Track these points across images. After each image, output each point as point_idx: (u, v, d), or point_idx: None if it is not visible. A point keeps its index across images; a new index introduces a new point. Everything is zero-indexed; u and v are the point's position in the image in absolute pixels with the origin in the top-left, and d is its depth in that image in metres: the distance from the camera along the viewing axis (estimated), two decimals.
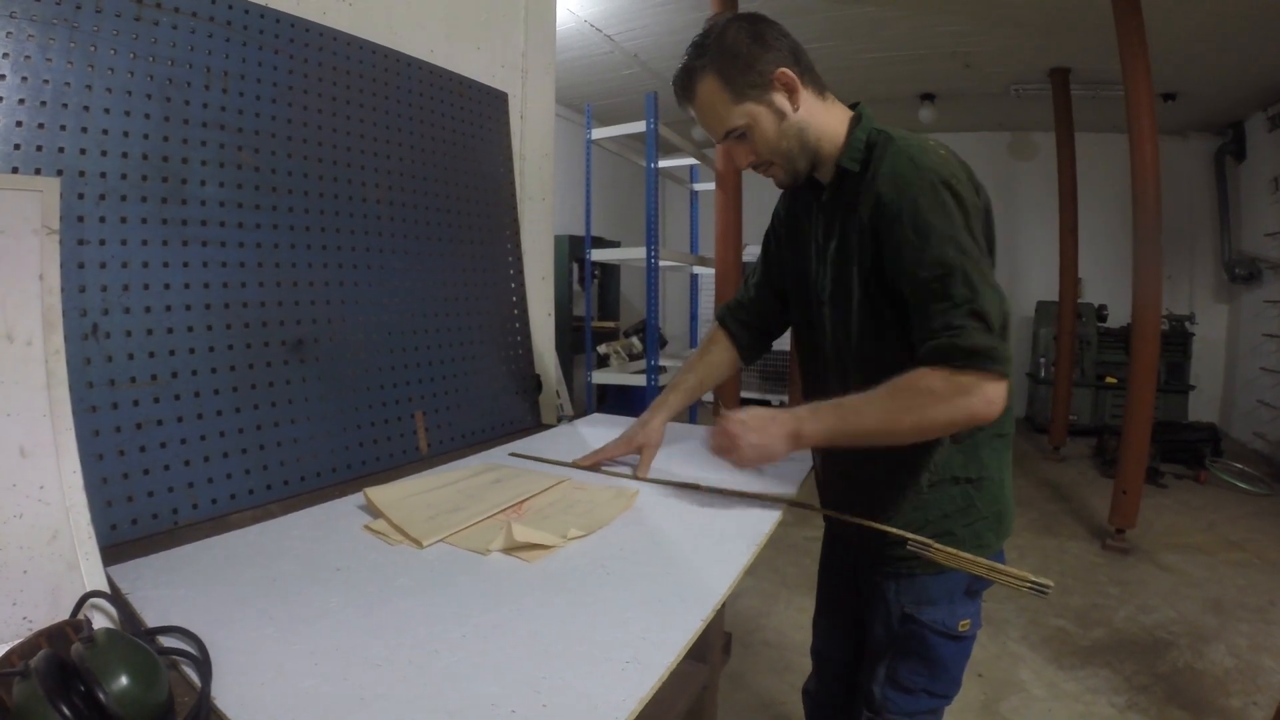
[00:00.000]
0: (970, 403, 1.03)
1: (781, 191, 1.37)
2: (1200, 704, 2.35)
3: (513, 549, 0.97)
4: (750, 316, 1.51)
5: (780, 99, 1.16)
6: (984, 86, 6.44)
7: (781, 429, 1.14)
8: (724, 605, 1.64)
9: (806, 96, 1.18)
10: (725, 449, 1.18)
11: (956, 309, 1.03)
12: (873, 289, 1.15)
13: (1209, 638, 2.83)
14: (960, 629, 1.26)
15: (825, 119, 1.20)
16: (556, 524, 1.07)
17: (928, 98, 6.76)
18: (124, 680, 0.59)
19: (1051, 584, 0.97)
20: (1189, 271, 7.28)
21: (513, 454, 1.58)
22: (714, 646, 1.65)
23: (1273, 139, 6.15)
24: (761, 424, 1.15)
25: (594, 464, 1.44)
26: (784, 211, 1.41)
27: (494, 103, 1.96)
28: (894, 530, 1.14)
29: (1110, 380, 6.72)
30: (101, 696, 0.56)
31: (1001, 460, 1.26)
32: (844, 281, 1.19)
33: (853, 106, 1.23)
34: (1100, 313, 6.97)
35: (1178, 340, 6.62)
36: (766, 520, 1.15)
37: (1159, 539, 4.01)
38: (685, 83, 1.20)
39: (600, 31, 5.41)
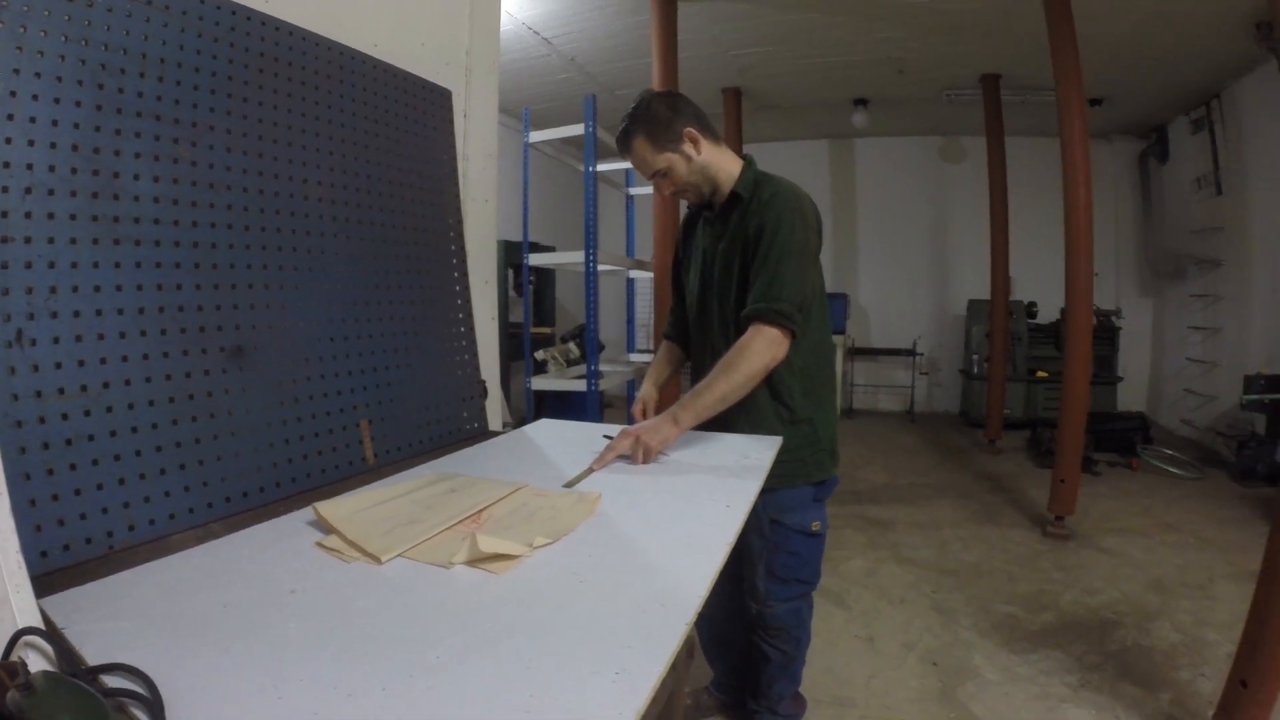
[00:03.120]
0: (774, 348, 1.61)
1: (681, 224, 2.03)
2: (1151, 678, 2.44)
3: (478, 561, 0.92)
4: (684, 325, 2.04)
5: (689, 148, 1.70)
6: (917, 92, 6.61)
7: (665, 424, 1.55)
8: None
9: (706, 146, 1.72)
10: (637, 451, 1.49)
11: (769, 290, 1.62)
12: (744, 274, 1.70)
13: (1153, 615, 2.95)
14: (813, 528, 1.80)
15: (721, 161, 1.75)
16: (519, 533, 1.03)
17: (861, 102, 6.90)
18: None
19: None
20: (1114, 268, 7.62)
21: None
22: (680, 651, 1.62)
23: (1195, 141, 6.47)
24: (653, 425, 1.54)
25: (605, 463, 1.49)
26: (681, 238, 2.03)
27: (438, 100, 1.89)
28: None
29: (1042, 374, 6.97)
30: None
31: (832, 405, 1.85)
32: (729, 270, 1.75)
33: (743, 157, 1.80)
34: (1030, 309, 7.24)
35: (1106, 334, 6.90)
36: (734, 519, 1.13)
37: (1097, 524, 4.16)
38: (624, 140, 1.73)
39: (538, 34, 5.35)
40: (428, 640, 0.73)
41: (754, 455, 1.53)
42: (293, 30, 1.45)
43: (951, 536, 4.00)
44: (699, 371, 1.86)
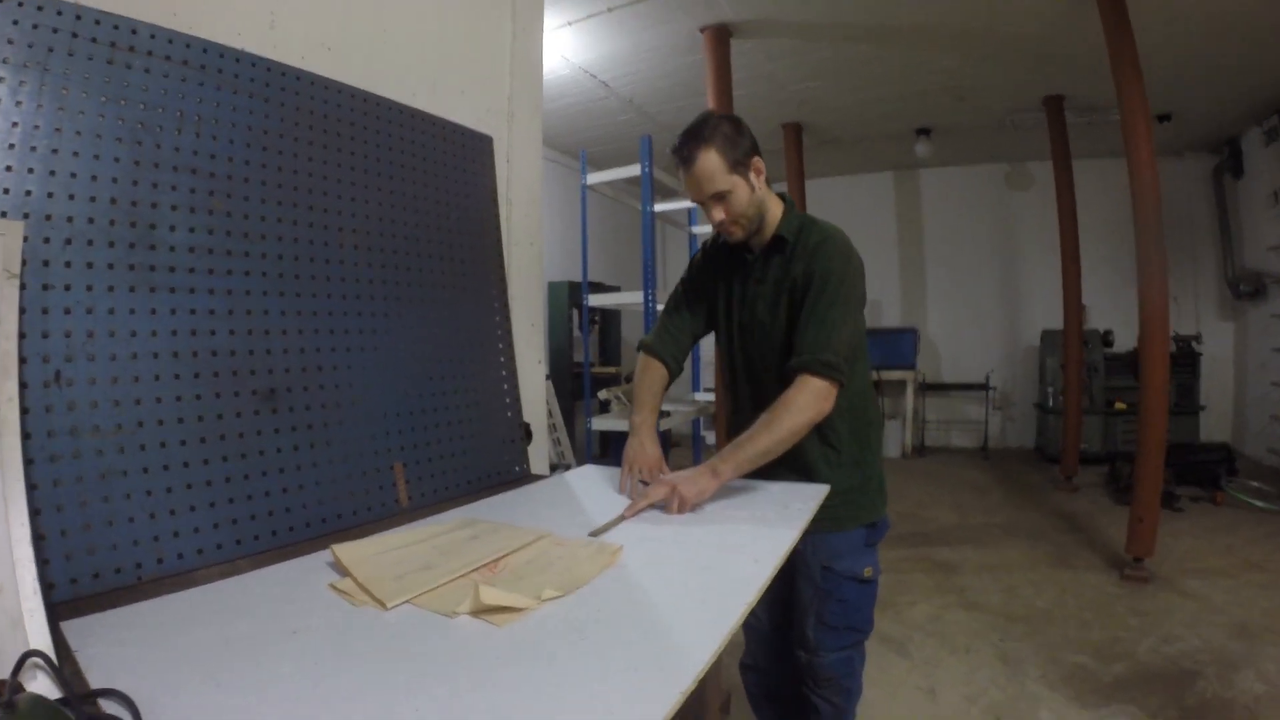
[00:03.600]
0: (819, 402, 1.53)
1: (700, 252, 1.89)
2: None
3: (481, 611, 0.91)
4: (675, 347, 1.87)
5: (754, 177, 1.60)
6: (979, 119, 6.48)
7: (704, 475, 1.47)
8: (718, 665, 1.55)
9: (763, 182, 1.63)
10: (673, 501, 1.44)
11: (817, 340, 1.54)
12: (790, 320, 1.64)
13: (1237, 664, 2.73)
14: (865, 574, 1.71)
15: (770, 201, 1.68)
16: (532, 583, 1.01)
17: (923, 132, 6.79)
18: None
19: None
20: (1193, 291, 7.26)
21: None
22: (710, 708, 1.54)
23: (1270, 153, 6.15)
24: (691, 476, 1.48)
25: (636, 512, 1.45)
26: (703, 265, 1.86)
27: (477, 146, 1.94)
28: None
29: (1120, 406, 6.64)
30: None
31: (878, 445, 1.82)
32: (774, 316, 1.67)
33: (781, 196, 1.73)
34: (1106, 338, 6.93)
35: (1186, 361, 6.56)
36: (759, 576, 1.06)
37: (1178, 565, 3.90)
38: (693, 148, 1.54)
39: (595, 78, 5.46)
40: (412, 690, 0.72)
41: (794, 505, 1.46)
42: (328, 84, 1.51)
43: (1022, 580, 3.80)
44: (734, 417, 1.79)
